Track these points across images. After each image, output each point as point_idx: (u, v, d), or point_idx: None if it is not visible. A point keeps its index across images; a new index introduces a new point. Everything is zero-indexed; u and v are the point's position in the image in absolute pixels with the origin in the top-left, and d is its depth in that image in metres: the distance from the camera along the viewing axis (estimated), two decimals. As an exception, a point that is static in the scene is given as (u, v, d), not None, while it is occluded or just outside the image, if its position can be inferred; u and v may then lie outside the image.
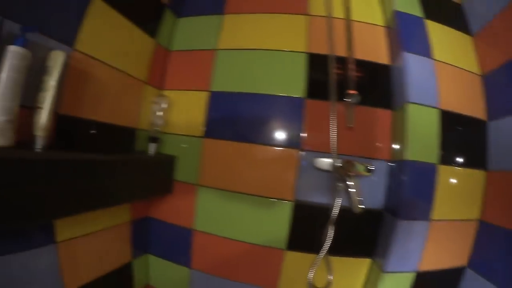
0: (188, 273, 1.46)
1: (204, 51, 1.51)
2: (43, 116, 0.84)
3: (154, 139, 1.39)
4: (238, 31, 1.48)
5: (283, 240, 1.32)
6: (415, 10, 1.37)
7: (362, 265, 1.31)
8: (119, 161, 1.12)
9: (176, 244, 1.47)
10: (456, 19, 1.41)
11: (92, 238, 1.18)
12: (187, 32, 1.57)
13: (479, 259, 1.22)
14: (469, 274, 1.24)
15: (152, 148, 1.38)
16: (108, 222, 1.27)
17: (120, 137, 1.30)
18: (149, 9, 1.40)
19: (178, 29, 1.58)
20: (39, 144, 0.84)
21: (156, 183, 1.38)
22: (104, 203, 1.07)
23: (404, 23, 1.32)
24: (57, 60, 0.86)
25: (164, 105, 1.44)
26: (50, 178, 0.82)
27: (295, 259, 1.32)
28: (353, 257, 1.30)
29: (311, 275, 1.26)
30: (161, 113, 1.44)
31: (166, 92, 1.53)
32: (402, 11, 1.35)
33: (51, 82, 0.86)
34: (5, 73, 0.73)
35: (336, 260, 1.29)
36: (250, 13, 1.49)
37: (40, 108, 0.85)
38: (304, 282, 1.29)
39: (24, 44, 0.77)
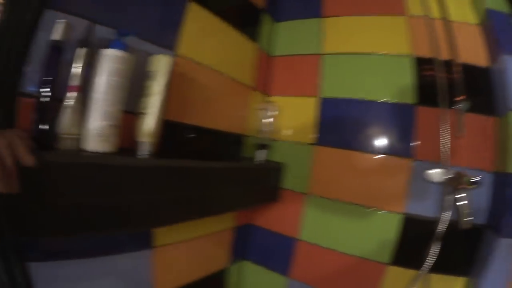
0: (286, 282, 1.41)
1: (308, 55, 1.46)
2: (150, 122, 0.82)
3: (262, 146, 1.36)
4: (341, 34, 1.41)
5: (388, 253, 1.21)
6: (504, 6, 1.18)
7: (457, 283, 1.15)
8: (226, 168, 1.07)
9: (277, 252, 1.44)
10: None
11: (192, 243, 1.17)
12: (287, 36, 1.54)
13: None
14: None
15: (260, 155, 1.36)
16: (211, 228, 1.26)
17: (227, 144, 1.28)
18: (247, 13, 1.37)
19: (277, 34, 1.55)
20: (145, 150, 0.81)
21: (263, 191, 1.33)
22: (208, 212, 1.05)
23: (498, 22, 1.16)
24: (161, 64, 0.83)
25: (272, 112, 1.41)
26: (154, 186, 0.79)
27: (396, 274, 1.20)
28: (449, 275, 1.16)
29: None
30: (269, 120, 1.40)
31: (272, 98, 1.49)
32: (494, 8, 1.18)
33: (157, 87, 0.82)
34: (104, 77, 0.71)
35: (432, 277, 1.16)
36: (348, 15, 1.42)
37: (145, 113, 0.81)
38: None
39: (122, 47, 0.74)
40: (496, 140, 1.14)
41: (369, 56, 1.33)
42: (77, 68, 0.68)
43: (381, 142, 1.26)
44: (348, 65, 1.36)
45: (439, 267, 1.13)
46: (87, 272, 0.82)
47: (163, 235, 1.03)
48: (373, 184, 1.26)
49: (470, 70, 1.17)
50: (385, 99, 1.27)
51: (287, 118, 1.44)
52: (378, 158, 1.26)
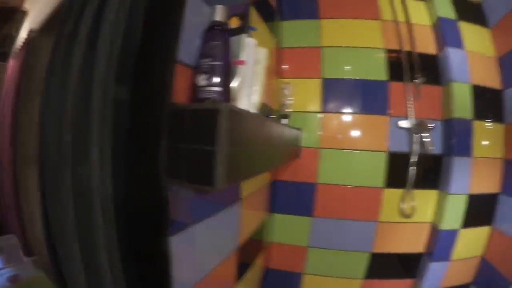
0: (310, 222, 1.66)
1: (311, 48, 1.71)
2: (257, 95, 0.95)
3: (284, 116, 1.58)
4: (334, 32, 1.70)
5: (381, 180, 1.60)
6: (451, 14, 1.61)
7: (432, 194, 1.60)
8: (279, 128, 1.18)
9: (301, 198, 1.68)
10: (478, 17, 1.66)
11: (253, 197, 1.32)
12: (292, 32, 1.74)
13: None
14: (503, 199, 1.54)
15: (283, 123, 1.57)
16: (259, 184, 1.41)
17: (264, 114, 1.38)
18: (269, 13, 1.49)
19: (284, 30, 1.74)
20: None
21: (290, 149, 1.48)
22: (271, 165, 1.14)
23: (444, 25, 1.58)
24: (261, 53, 0.97)
25: (289, 90, 1.64)
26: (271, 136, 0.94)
27: (390, 194, 1.60)
28: (426, 189, 1.59)
29: (403, 205, 1.57)
30: (288, 96, 1.63)
31: (286, 80, 1.71)
32: (443, 16, 1.60)
33: (260, 70, 0.96)
34: (250, 57, 0.83)
35: (415, 192, 1.57)
36: (338, 18, 1.71)
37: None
38: (398, 211, 1.59)
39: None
40: (441, 100, 1.59)
41: (355, 49, 1.66)
42: (241, 47, 0.78)
43: (367, 106, 1.63)
44: (341, 55, 1.68)
45: (418, 185, 1.56)
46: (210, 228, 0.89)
47: (244, 187, 1.15)
48: (365, 134, 1.62)
49: (424, 57, 1.59)
50: (368, 77, 1.64)
51: (300, 94, 1.68)
52: (366, 117, 1.63)
